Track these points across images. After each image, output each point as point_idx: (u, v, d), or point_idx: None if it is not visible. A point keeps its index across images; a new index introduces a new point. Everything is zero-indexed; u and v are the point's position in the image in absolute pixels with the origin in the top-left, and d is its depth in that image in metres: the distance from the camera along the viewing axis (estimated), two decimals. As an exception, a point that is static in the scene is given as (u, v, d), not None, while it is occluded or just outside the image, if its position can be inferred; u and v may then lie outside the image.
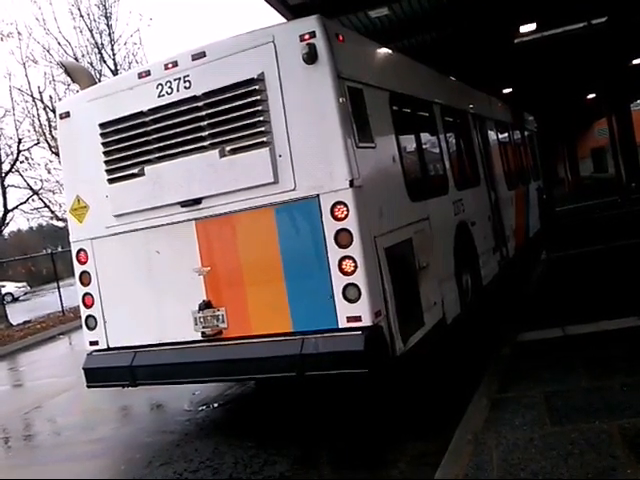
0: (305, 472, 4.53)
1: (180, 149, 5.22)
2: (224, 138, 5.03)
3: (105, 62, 19.56)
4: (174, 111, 5.20)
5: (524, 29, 13.79)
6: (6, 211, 19.52)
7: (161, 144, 5.31)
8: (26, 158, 19.25)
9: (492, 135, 10.43)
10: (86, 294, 5.86)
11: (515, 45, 15.29)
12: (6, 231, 25.04)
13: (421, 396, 5.55)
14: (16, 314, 21.62)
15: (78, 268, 5.89)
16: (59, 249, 29.57)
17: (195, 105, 5.10)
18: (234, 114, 4.96)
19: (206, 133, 5.10)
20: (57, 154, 15.32)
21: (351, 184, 4.66)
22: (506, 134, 12.11)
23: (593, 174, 41.75)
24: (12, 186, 19.82)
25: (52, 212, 19.96)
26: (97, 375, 5.80)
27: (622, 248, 10.48)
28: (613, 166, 21.92)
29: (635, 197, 18.34)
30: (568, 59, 17.19)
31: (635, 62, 19.74)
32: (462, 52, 14.16)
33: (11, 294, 34.48)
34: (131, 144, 5.46)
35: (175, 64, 5.22)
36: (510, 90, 19.73)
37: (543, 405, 4.43)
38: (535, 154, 15.60)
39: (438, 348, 5.87)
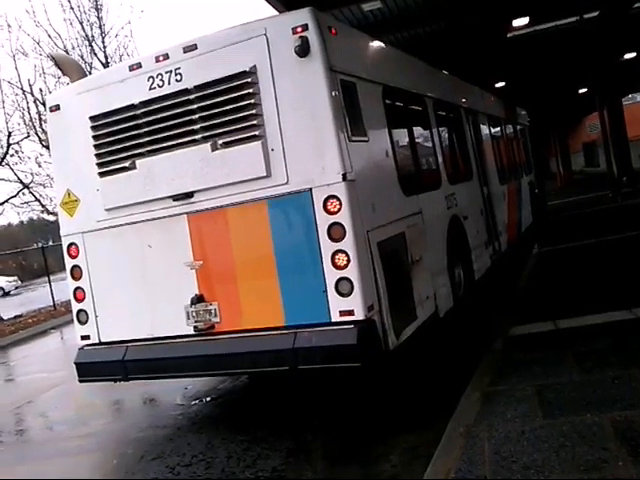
0: (298, 466, 4.53)
1: (172, 142, 5.18)
2: (216, 131, 5.00)
3: (96, 55, 19.45)
4: (165, 104, 5.16)
5: (517, 23, 13.82)
6: (-4, 204, 19.41)
7: (152, 137, 5.27)
8: (16, 151, 19.13)
9: (485, 129, 10.43)
10: (77, 288, 5.83)
11: (508, 39, 15.34)
12: (-4, 225, 24.88)
13: (414, 389, 5.56)
14: (7, 308, 21.55)
15: (69, 262, 5.86)
16: (50, 243, 29.45)
17: (186, 98, 5.07)
18: (226, 107, 4.93)
19: (198, 126, 5.06)
20: (47, 147, 15.15)
21: (344, 178, 4.65)
22: (499, 128, 12.12)
23: (585, 168, 41.93)
24: (2, 180, 19.71)
25: (43, 206, 19.86)
26: (89, 370, 5.78)
27: (614, 242, 10.53)
28: (605, 160, 21.99)
29: (626, 191, 18.43)
30: (560, 53, 17.25)
31: (627, 57, 19.83)
32: (455, 46, 14.18)
33: (2, 288, 34.39)
34: (122, 137, 5.41)
35: (166, 56, 5.18)
36: (503, 84, 19.78)
37: (535, 398, 4.44)
38: (527, 148, 15.63)
39: (431, 342, 5.88)
